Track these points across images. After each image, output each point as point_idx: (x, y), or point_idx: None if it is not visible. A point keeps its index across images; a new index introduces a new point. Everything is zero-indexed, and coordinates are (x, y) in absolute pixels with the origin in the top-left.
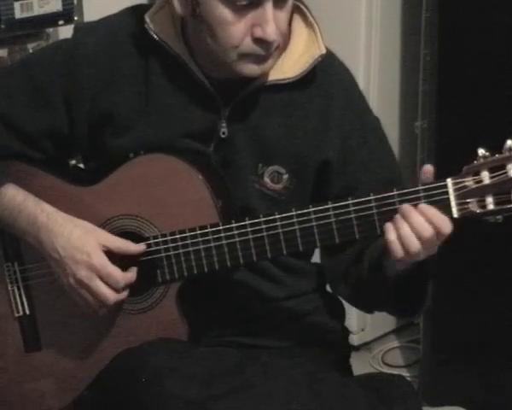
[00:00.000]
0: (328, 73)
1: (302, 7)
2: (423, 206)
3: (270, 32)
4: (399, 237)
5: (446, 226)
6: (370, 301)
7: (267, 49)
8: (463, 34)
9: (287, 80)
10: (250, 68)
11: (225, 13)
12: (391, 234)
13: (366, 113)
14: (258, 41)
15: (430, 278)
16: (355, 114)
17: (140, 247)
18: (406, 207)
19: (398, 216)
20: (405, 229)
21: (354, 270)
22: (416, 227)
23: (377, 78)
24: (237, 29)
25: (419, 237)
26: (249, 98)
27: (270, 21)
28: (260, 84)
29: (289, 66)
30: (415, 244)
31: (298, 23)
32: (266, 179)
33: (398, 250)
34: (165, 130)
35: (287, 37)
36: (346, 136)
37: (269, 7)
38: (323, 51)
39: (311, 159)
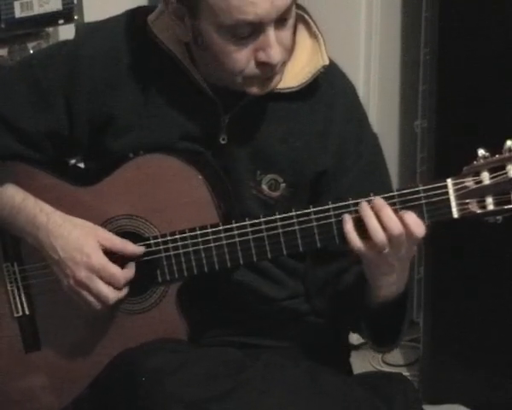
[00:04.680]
0: (330, 85)
1: (307, 17)
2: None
3: (274, 55)
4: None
5: (419, 230)
6: (344, 318)
7: (272, 71)
8: (463, 34)
9: (288, 90)
10: (256, 89)
11: (227, 44)
12: (347, 224)
13: (365, 128)
14: (263, 64)
15: (407, 314)
16: (354, 127)
17: (138, 248)
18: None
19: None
20: (373, 221)
21: (334, 283)
22: (382, 220)
23: (377, 78)
24: (241, 56)
25: (384, 229)
26: (250, 106)
27: (274, 45)
28: None
29: (292, 75)
30: (380, 234)
31: (302, 33)
32: (264, 186)
33: (354, 240)
34: (165, 134)
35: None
36: (343, 148)
37: (271, 32)
38: (326, 62)
39: (308, 169)
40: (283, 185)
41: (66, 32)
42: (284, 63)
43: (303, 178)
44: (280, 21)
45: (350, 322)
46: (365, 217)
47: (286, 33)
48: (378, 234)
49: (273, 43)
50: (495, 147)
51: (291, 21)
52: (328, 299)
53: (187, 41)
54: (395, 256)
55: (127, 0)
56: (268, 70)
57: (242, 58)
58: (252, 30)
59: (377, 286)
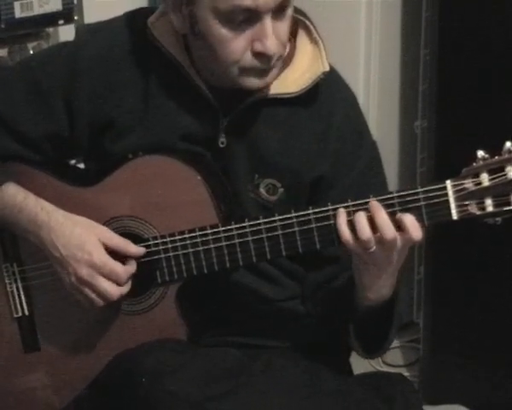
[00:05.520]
0: (331, 92)
1: (308, 23)
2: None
3: (270, 46)
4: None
5: (416, 233)
6: (333, 322)
7: (268, 63)
8: (463, 34)
9: (288, 95)
10: (252, 82)
11: (223, 31)
12: (340, 217)
13: (364, 135)
14: (259, 55)
15: (396, 321)
16: (353, 133)
17: (139, 249)
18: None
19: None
20: (362, 218)
21: (325, 288)
22: (377, 223)
23: (377, 78)
24: (237, 45)
25: (378, 231)
26: (249, 110)
27: (270, 35)
28: (261, 97)
29: (292, 81)
30: (366, 233)
31: (303, 39)
32: (261, 190)
33: (344, 232)
34: (164, 136)
35: (291, 49)
36: (342, 154)
37: (268, 21)
38: (327, 69)
39: (306, 175)
40: (281, 190)
41: (66, 32)
42: (281, 57)
43: (301, 182)
44: (278, 12)
45: (339, 326)
46: (356, 215)
47: (283, 25)
48: (365, 232)
49: (269, 33)
50: (496, 147)
51: (289, 11)
52: (319, 303)
53: (184, 32)
54: (386, 259)
55: (127, 1)
56: (264, 61)
57: (238, 47)
58: (248, 16)
59: (364, 286)
